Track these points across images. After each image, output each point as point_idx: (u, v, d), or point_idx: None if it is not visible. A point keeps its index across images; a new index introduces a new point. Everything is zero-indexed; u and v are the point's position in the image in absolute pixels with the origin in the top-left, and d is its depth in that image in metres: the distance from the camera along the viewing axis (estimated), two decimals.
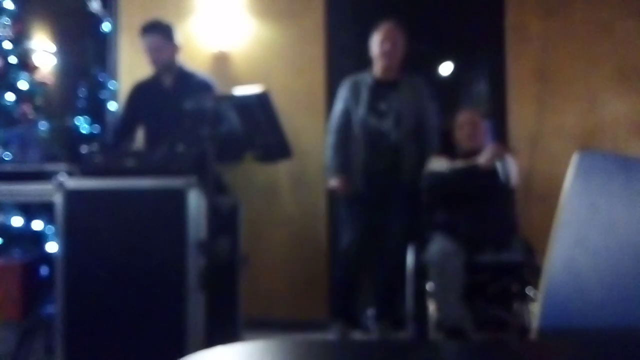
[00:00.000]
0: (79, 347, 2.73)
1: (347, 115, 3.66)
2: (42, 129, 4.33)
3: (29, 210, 4.08)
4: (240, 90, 2.76)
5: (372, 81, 3.67)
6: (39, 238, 4.02)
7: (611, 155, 1.12)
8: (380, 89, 3.66)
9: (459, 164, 3.38)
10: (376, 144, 3.60)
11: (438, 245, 3.19)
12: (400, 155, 3.60)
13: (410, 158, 3.59)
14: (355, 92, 3.67)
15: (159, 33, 3.53)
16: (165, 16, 4.24)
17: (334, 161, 3.67)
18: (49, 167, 3.11)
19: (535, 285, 3.03)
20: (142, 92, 3.64)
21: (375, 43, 3.68)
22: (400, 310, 3.50)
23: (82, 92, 4.79)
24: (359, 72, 3.77)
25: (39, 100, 4.52)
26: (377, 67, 3.69)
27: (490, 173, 3.30)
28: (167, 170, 2.75)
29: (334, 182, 3.67)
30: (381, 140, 3.61)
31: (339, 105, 3.72)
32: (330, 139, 3.72)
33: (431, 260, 3.17)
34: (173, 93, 3.49)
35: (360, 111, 3.62)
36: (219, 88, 3.60)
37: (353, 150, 3.63)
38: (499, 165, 3.33)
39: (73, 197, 2.76)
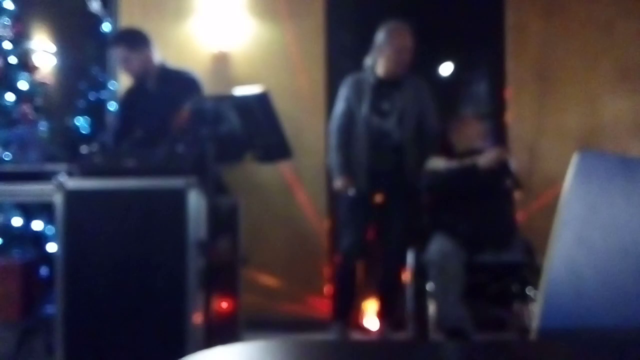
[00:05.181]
0: (79, 347, 2.73)
1: (349, 115, 3.61)
2: (42, 129, 4.33)
3: (29, 210, 4.08)
4: (240, 90, 2.76)
5: (375, 80, 3.62)
6: (39, 238, 4.03)
7: (611, 156, 1.12)
8: (383, 88, 3.62)
9: (458, 163, 3.38)
10: (379, 143, 3.58)
11: (438, 245, 3.19)
12: (403, 155, 3.59)
13: (412, 158, 3.57)
14: (357, 91, 3.62)
15: (122, 44, 3.49)
16: (165, 16, 4.25)
17: (338, 162, 3.60)
18: (49, 167, 3.11)
19: (535, 285, 3.03)
20: (130, 99, 3.63)
21: (384, 41, 3.58)
22: (400, 310, 3.50)
23: (82, 92, 4.80)
24: (360, 71, 3.72)
25: (39, 100, 4.53)
26: (381, 66, 3.62)
27: (488, 174, 3.30)
28: (167, 170, 2.75)
29: (339, 183, 3.61)
30: (384, 140, 3.59)
31: (341, 105, 3.66)
32: (333, 140, 3.66)
33: (431, 260, 3.17)
34: (157, 95, 3.47)
35: (363, 110, 3.58)
36: (214, 86, 3.60)
37: (355, 150, 3.59)
38: (511, 168, 3.35)
39: (73, 197, 2.76)
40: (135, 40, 3.47)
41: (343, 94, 3.67)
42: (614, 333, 0.98)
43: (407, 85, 3.64)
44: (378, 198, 3.62)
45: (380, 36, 3.60)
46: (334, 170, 3.66)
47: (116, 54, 3.58)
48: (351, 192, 3.57)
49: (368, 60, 3.68)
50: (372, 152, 3.57)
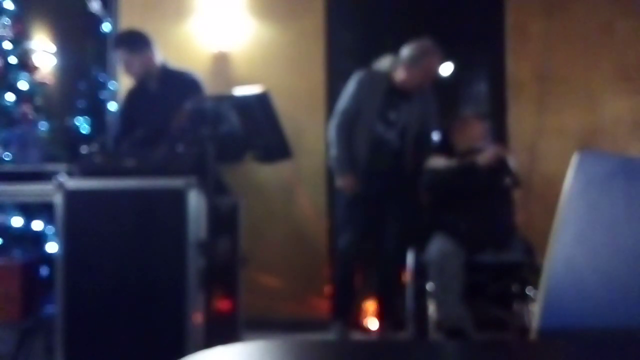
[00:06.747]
0: (79, 347, 2.73)
1: (354, 114, 3.56)
2: (42, 129, 4.33)
3: (29, 210, 4.08)
4: (240, 90, 2.77)
5: (388, 87, 3.57)
6: (39, 238, 4.03)
7: (611, 155, 1.12)
8: (394, 97, 3.57)
9: (457, 162, 3.39)
10: (378, 148, 3.56)
11: (438, 245, 3.19)
12: (402, 159, 3.60)
13: (411, 161, 3.59)
14: (369, 92, 3.55)
15: (123, 47, 3.49)
16: (165, 16, 4.25)
17: (342, 159, 3.57)
18: (49, 167, 3.11)
19: (535, 285, 3.03)
20: (131, 100, 3.63)
21: (415, 58, 3.48)
22: (400, 310, 3.50)
23: (82, 92, 4.80)
24: (370, 68, 3.65)
25: (39, 100, 4.52)
26: (400, 78, 3.55)
27: (488, 172, 3.31)
28: (167, 170, 2.74)
29: (342, 181, 3.58)
30: (383, 146, 3.58)
31: (348, 103, 3.58)
32: (335, 136, 3.60)
33: (431, 260, 3.17)
34: (159, 96, 3.47)
35: (369, 116, 3.54)
36: (214, 86, 3.60)
37: (355, 149, 3.57)
38: (510, 165, 3.37)
39: (73, 197, 2.76)
40: (135, 42, 3.47)
41: (352, 91, 3.58)
42: (614, 333, 0.98)
43: (416, 98, 3.60)
44: (376, 198, 3.62)
45: (411, 51, 3.51)
46: (336, 168, 3.64)
47: (117, 57, 3.57)
48: (352, 192, 3.56)
49: (384, 62, 3.62)
50: (371, 155, 3.56)
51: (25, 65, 4.52)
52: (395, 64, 3.57)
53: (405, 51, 3.53)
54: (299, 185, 4.19)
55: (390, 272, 3.64)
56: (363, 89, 3.57)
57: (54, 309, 2.82)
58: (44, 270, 3.65)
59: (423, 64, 3.50)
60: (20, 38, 4.52)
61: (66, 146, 4.37)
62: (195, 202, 2.68)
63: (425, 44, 3.51)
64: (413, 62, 3.50)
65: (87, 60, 4.86)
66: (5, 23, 4.41)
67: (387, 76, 3.59)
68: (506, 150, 3.70)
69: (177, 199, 2.69)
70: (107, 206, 2.77)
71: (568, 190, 0.99)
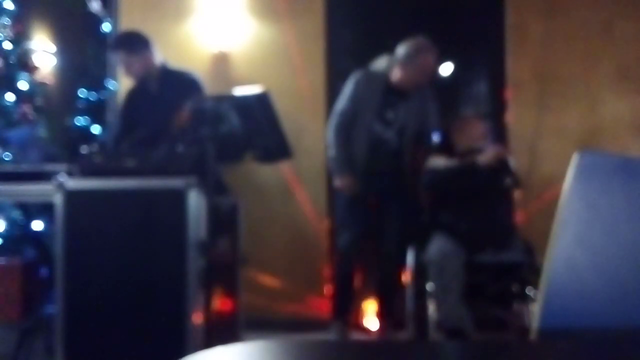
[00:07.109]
0: (79, 347, 2.74)
1: (352, 115, 3.57)
2: (42, 129, 4.34)
3: (29, 210, 4.08)
4: (240, 90, 2.77)
5: (385, 87, 3.58)
6: (39, 238, 4.03)
7: (611, 155, 1.12)
8: (391, 96, 3.58)
9: (457, 162, 3.39)
10: (377, 148, 3.57)
11: (438, 245, 3.19)
12: (401, 159, 3.60)
13: (410, 160, 3.59)
14: (366, 93, 3.56)
15: (122, 49, 3.49)
16: (165, 16, 4.25)
17: (341, 160, 3.58)
18: (49, 167, 3.11)
19: (535, 285, 3.03)
20: (132, 100, 3.63)
21: (409, 56, 3.49)
22: (400, 310, 3.50)
23: (82, 92, 4.80)
24: (367, 69, 3.65)
25: (39, 100, 4.53)
26: (397, 77, 3.55)
27: (488, 172, 3.31)
28: (167, 171, 2.75)
29: (341, 181, 3.60)
30: (382, 146, 3.58)
31: (346, 104, 3.60)
32: (333, 137, 3.62)
33: (431, 260, 3.17)
34: (159, 96, 3.47)
35: (367, 116, 3.55)
36: (214, 86, 3.60)
37: (354, 150, 3.58)
38: (510, 165, 3.39)
39: (73, 198, 2.76)
40: (134, 44, 3.46)
41: (350, 92, 3.60)
42: (615, 333, 0.98)
43: (414, 97, 3.60)
44: (375, 198, 3.62)
45: (405, 50, 3.51)
46: (335, 169, 3.65)
47: (116, 59, 3.57)
48: (351, 193, 3.57)
49: (381, 62, 3.62)
50: (370, 155, 3.56)
51: (25, 65, 4.53)
52: (392, 64, 3.57)
53: (400, 50, 3.53)
54: (299, 185, 4.19)
55: (390, 272, 3.64)
56: (360, 89, 3.57)
57: (54, 309, 2.82)
58: (44, 270, 3.65)
59: (418, 61, 3.50)
60: (20, 38, 4.53)
61: (66, 146, 4.38)
62: (195, 202, 2.68)
63: (420, 41, 3.52)
64: (408, 60, 3.50)
65: (87, 60, 4.87)
66: (5, 23, 4.42)
67: (384, 76, 3.59)
68: (506, 150, 3.70)
69: (177, 199, 2.69)
70: (107, 206, 2.77)
71: (568, 190, 0.99)
